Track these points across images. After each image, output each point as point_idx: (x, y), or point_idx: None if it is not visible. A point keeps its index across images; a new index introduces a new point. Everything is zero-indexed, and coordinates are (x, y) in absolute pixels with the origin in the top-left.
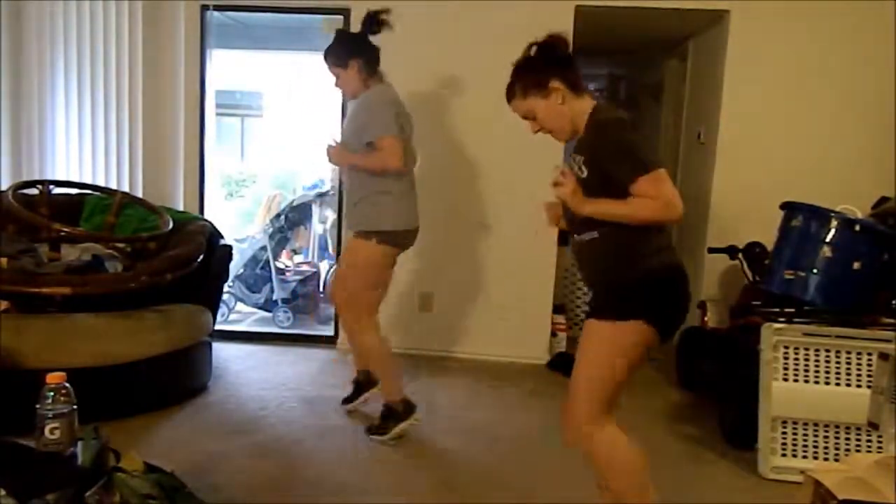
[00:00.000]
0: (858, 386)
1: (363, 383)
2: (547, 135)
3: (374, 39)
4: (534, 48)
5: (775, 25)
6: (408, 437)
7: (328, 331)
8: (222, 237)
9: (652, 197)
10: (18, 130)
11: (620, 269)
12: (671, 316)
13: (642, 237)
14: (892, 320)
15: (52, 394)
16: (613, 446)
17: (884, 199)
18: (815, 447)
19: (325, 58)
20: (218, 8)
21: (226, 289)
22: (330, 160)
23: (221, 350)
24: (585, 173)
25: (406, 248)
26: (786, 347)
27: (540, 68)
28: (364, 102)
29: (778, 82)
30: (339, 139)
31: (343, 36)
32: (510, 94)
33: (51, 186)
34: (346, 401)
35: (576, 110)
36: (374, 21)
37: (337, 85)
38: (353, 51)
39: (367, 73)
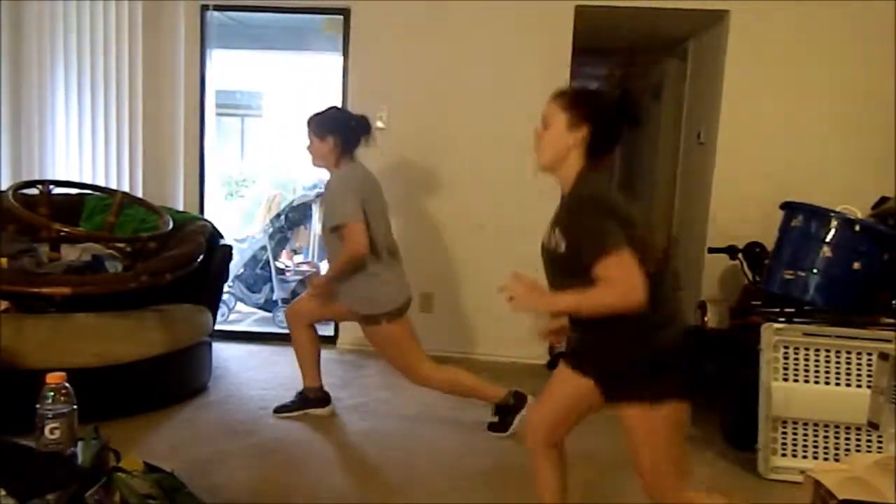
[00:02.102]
0: (858, 386)
1: (512, 406)
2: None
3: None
4: (617, 94)
5: (775, 25)
6: (408, 437)
7: (328, 331)
8: (222, 237)
9: (611, 280)
10: (18, 130)
11: (624, 352)
12: (690, 384)
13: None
14: (892, 320)
15: (52, 394)
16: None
17: (884, 199)
18: (815, 447)
19: (308, 122)
20: (218, 8)
21: (226, 289)
22: (317, 292)
23: (221, 350)
24: (563, 249)
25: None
26: (786, 347)
27: (590, 111)
28: (331, 185)
29: (778, 82)
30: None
31: (333, 112)
32: (559, 95)
33: (51, 186)
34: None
35: (571, 160)
36: (365, 126)
37: (308, 150)
38: (336, 128)
39: (341, 152)
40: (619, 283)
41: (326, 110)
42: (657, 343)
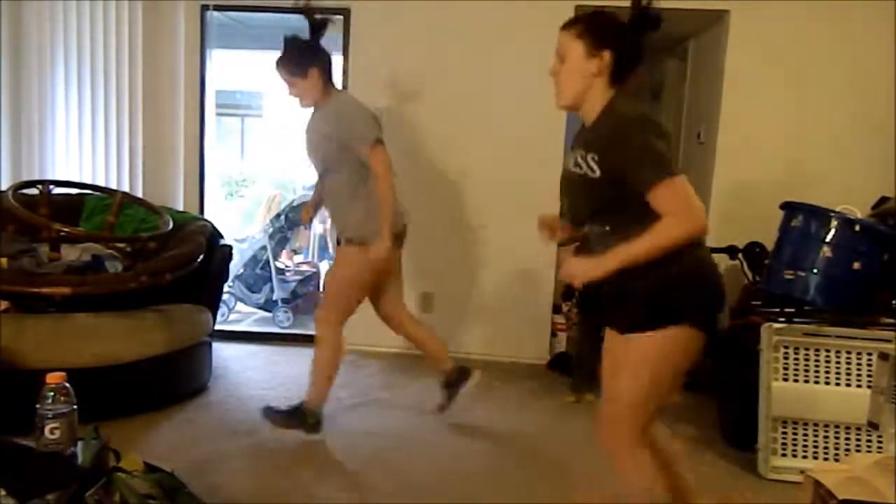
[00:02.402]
0: (858, 386)
1: (453, 381)
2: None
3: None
4: (630, 16)
5: (775, 25)
6: (408, 437)
7: None
8: (222, 237)
9: (672, 209)
10: (18, 130)
11: (648, 268)
12: (707, 311)
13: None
14: (892, 320)
15: (52, 394)
16: (643, 472)
17: (884, 199)
18: (815, 447)
19: (280, 67)
20: (218, 8)
21: (226, 289)
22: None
23: (221, 350)
24: (598, 173)
25: (402, 242)
26: (786, 347)
27: (609, 34)
28: (336, 109)
29: (778, 82)
30: (303, 152)
31: (298, 43)
32: (570, 23)
33: (51, 186)
34: (442, 407)
35: (596, 91)
36: (322, 24)
37: (293, 94)
38: (312, 58)
39: (326, 79)
40: (684, 212)
41: (290, 48)
42: (679, 266)
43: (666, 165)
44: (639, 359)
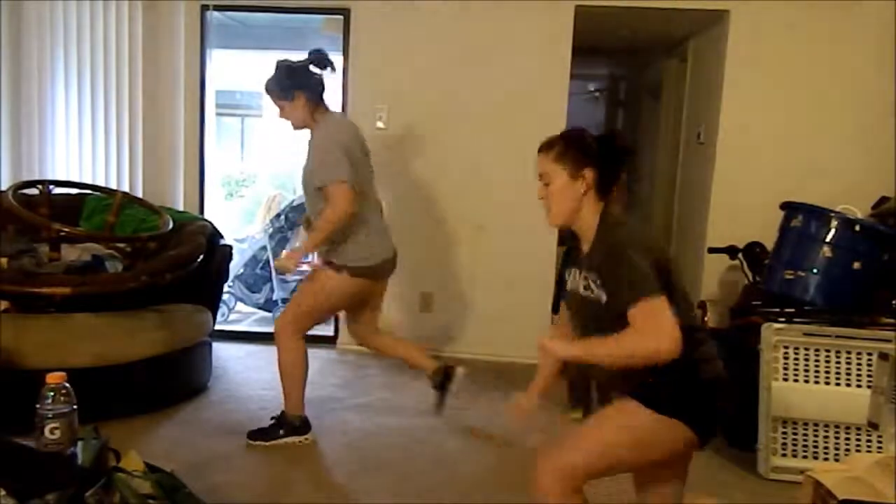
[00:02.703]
0: (858, 386)
1: (441, 382)
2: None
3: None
4: (593, 135)
5: (775, 25)
6: (408, 437)
7: (328, 331)
8: (222, 237)
9: (639, 328)
10: (18, 130)
11: (657, 380)
12: (711, 426)
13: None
14: (892, 320)
15: (52, 394)
16: None
17: (884, 199)
18: (815, 447)
19: (268, 90)
20: (218, 8)
21: (226, 289)
22: (286, 271)
23: (221, 350)
24: (605, 298)
25: (386, 277)
26: (786, 347)
27: (585, 152)
28: (313, 143)
29: (778, 82)
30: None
31: (286, 68)
32: (547, 147)
33: (51, 186)
34: (438, 407)
35: (587, 207)
36: (323, 59)
37: (282, 116)
38: (298, 83)
39: (313, 105)
40: (651, 331)
41: (277, 71)
42: (697, 375)
43: (644, 286)
44: (625, 421)
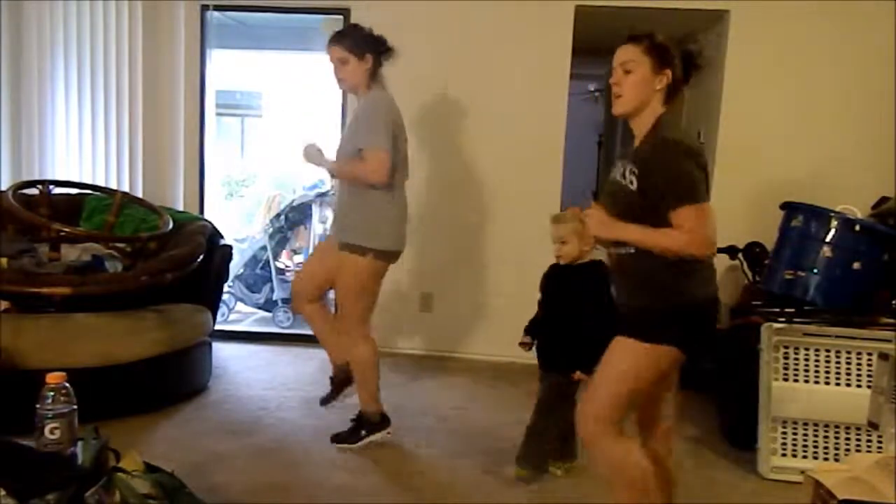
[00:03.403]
0: (858, 386)
1: (342, 381)
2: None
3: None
4: (686, 48)
5: (775, 25)
6: (407, 437)
7: None
8: (222, 237)
9: (686, 230)
10: (18, 130)
11: (658, 293)
12: (701, 342)
13: (684, 261)
14: (892, 320)
15: (52, 394)
16: (627, 455)
17: (884, 199)
18: (815, 447)
19: (340, 40)
20: (218, 8)
21: (226, 289)
22: (308, 160)
23: (221, 350)
24: (635, 185)
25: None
26: (786, 347)
27: (670, 57)
28: (365, 105)
29: (778, 83)
30: (320, 142)
31: (362, 29)
32: (637, 38)
33: (51, 186)
34: (325, 400)
35: (653, 105)
36: (386, 44)
37: (339, 74)
38: (372, 45)
39: (374, 71)
40: (695, 233)
41: (354, 28)
42: (691, 293)
43: (694, 191)
44: (624, 363)
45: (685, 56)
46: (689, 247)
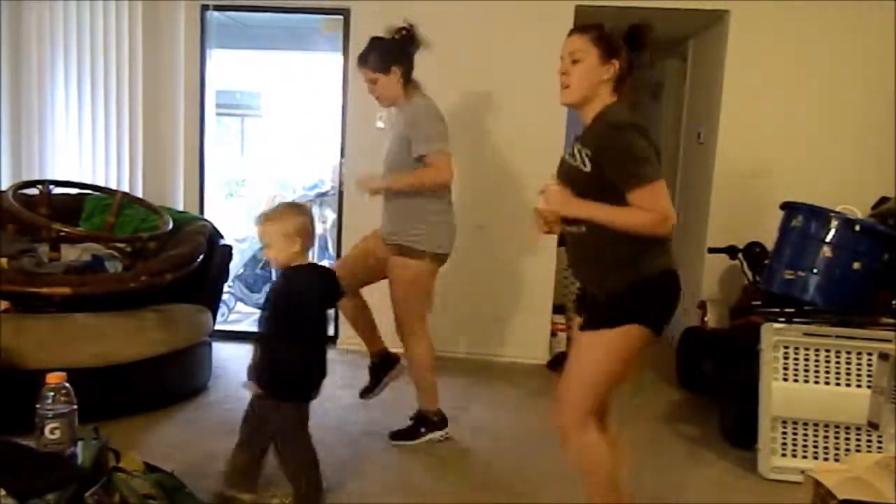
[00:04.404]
0: (858, 386)
1: (380, 365)
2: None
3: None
4: (629, 29)
5: (775, 25)
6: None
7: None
8: (222, 237)
9: (646, 209)
10: (18, 130)
11: (612, 271)
12: (663, 317)
13: (635, 238)
14: (892, 320)
15: (52, 394)
16: (594, 449)
17: (884, 199)
18: (815, 447)
19: (364, 62)
20: (218, 8)
21: (226, 289)
22: (362, 189)
23: (221, 350)
24: (588, 167)
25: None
26: (786, 347)
27: (617, 47)
28: (413, 113)
29: (778, 82)
30: (383, 159)
31: (383, 42)
32: (583, 29)
33: (51, 186)
34: (367, 391)
35: (601, 95)
36: (416, 37)
37: (374, 93)
38: (396, 57)
39: (405, 80)
40: (653, 211)
41: (376, 44)
42: (645, 268)
43: (647, 169)
44: (596, 349)
45: (631, 32)
46: (654, 226)
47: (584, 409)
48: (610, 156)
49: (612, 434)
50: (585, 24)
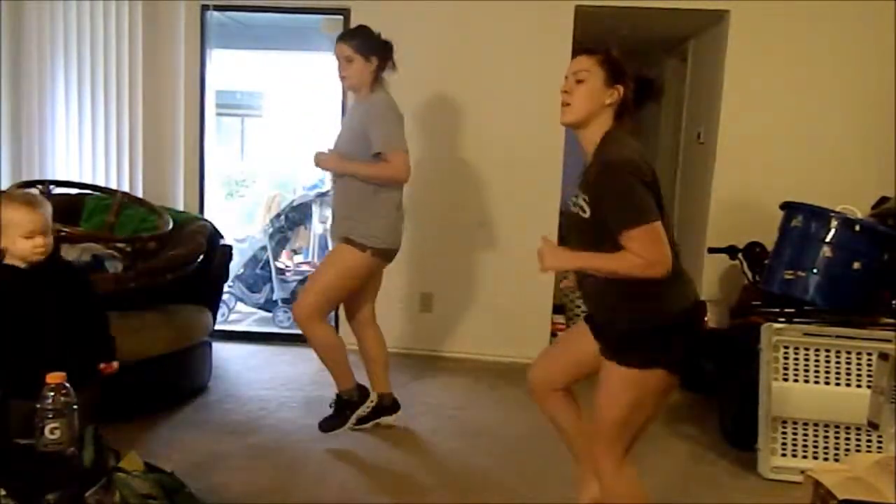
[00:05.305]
0: (858, 386)
1: (354, 402)
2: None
3: None
4: (637, 81)
5: (775, 25)
6: (408, 437)
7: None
8: (222, 237)
9: (636, 253)
10: (18, 130)
11: (632, 311)
12: (686, 357)
13: (647, 280)
14: (892, 320)
15: (52, 394)
16: (630, 488)
17: (884, 199)
18: (815, 447)
19: (349, 38)
20: (218, 8)
21: (226, 289)
22: (318, 165)
23: (221, 350)
24: (587, 213)
25: (389, 262)
26: (786, 347)
27: (623, 73)
28: (372, 110)
29: (778, 83)
30: (332, 145)
31: (372, 32)
32: (592, 50)
33: (51, 186)
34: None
35: (602, 119)
36: (391, 51)
37: (342, 71)
38: (378, 48)
39: (378, 75)
40: (644, 255)
41: (363, 29)
42: (665, 307)
43: (640, 212)
44: (620, 387)
45: (641, 83)
46: (643, 269)
47: (618, 447)
48: (604, 197)
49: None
50: (593, 46)
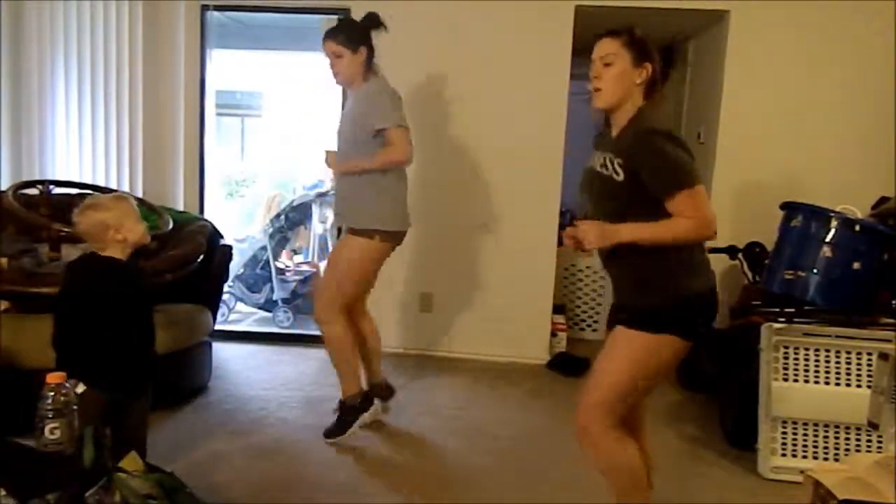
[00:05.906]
0: (858, 386)
1: (358, 407)
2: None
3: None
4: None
5: (775, 25)
6: (408, 437)
7: None
8: (222, 237)
9: (688, 215)
10: (18, 130)
11: (657, 286)
12: (703, 330)
13: (680, 252)
14: (892, 320)
15: (52, 394)
16: (622, 449)
17: (884, 199)
18: (815, 447)
19: (334, 35)
20: (218, 8)
21: (226, 289)
22: (329, 166)
23: (221, 350)
24: (622, 176)
25: (396, 247)
26: (786, 347)
27: (649, 50)
28: (367, 93)
29: (778, 82)
30: (334, 145)
31: (355, 23)
32: (616, 32)
33: (51, 186)
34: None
35: (633, 99)
36: (377, 20)
37: (334, 68)
38: (365, 38)
39: (369, 64)
40: (695, 217)
41: (348, 22)
42: (690, 285)
43: (685, 175)
44: (628, 352)
45: (666, 55)
46: (697, 231)
47: (608, 409)
48: (645, 162)
49: (646, 453)
50: (617, 28)
